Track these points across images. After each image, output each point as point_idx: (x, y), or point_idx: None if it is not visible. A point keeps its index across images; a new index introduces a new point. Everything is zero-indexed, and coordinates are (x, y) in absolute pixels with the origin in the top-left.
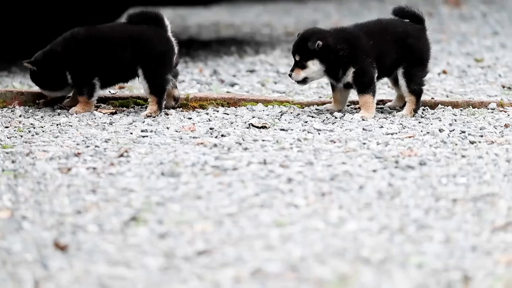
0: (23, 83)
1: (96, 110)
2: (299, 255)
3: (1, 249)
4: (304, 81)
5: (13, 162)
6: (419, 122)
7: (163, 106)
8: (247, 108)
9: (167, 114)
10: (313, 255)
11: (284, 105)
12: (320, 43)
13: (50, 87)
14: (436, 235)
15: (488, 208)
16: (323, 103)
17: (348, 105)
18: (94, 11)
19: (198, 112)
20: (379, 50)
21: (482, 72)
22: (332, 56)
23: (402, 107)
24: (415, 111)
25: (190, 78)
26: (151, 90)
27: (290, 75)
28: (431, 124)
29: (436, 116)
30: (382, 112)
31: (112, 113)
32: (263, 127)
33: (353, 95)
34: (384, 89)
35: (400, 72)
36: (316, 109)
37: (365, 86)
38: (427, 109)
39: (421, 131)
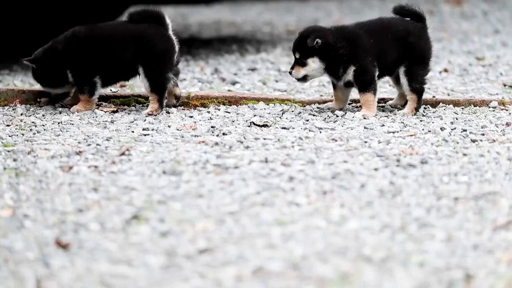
0: (24, 82)
1: (98, 108)
2: (300, 254)
3: (3, 248)
4: (304, 78)
5: (14, 160)
6: (421, 121)
7: (165, 104)
8: (249, 107)
9: (169, 113)
10: (314, 253)
11: (286, 104)
12: (319, 41)
13: (50, 84)
14: (438, 234)
15: (490, 207)
16: (325, 102)
17: (349, 104)
18: (96, 10)
19: (200, 111)
20: (380, 49)
21: (484, 70)
22: (332, 54)
23: (403, 106)
24: (417, 109)
25: (191, 77)
26: (152, 89)
27: (290, 73)
28: (433, 122)
29: (438, 115)
30: (383, 111)
31: (114, 112)
32: (265, 125)
33: (354, 93)
34: (386, 87)
35: (401, 71)
36: (318, 108)
37: (366, 85)
38: (429, 107)
39: (423, 129)
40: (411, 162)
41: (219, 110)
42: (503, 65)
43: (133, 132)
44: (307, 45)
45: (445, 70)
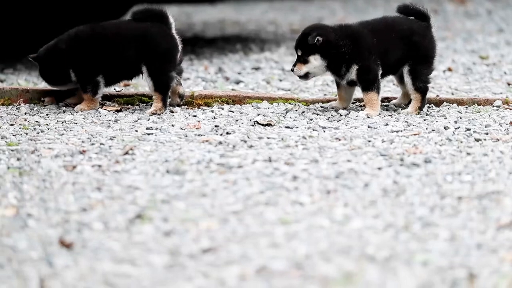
0: (28, 81)
1: (101, 107)
2: (304, 253)
3: (7, 247)
4: (306, 76)
5: (18, 159)
6: (424, 120)
7: (168, 103)
8: (252, 106)
9: (172, 112)
10: (318, 252)
11: (289, 103)
12: (320, 38)
13: (54, 82)
14: (441, 233)
15: (493, 206)
16: (328, 101)
17: (353, 103)
18: (99, 8)
19: (203, 110)
20: (384, 48)
21: (487, 69)
22: (333, 52)
23: (407, 105)
24: (420, 108)
25: (195, 76)
26: (156, 88)
27: (292, 70)
28: (436, 121)
29: (441, 114)
30: (387, 110)
31: (117, 111)
32: (268, 124)
33: (358, 92)
34: (389, 86)
35: (405, 70)
36: (321, 107)
37: (369, 84)
38: (432, 106)
39: (426, 128)
40: (414, 161)
41: (222, 109)
42: (507, 64)
43: (136, 131)
44: (308, 42)
45: (449, 69)
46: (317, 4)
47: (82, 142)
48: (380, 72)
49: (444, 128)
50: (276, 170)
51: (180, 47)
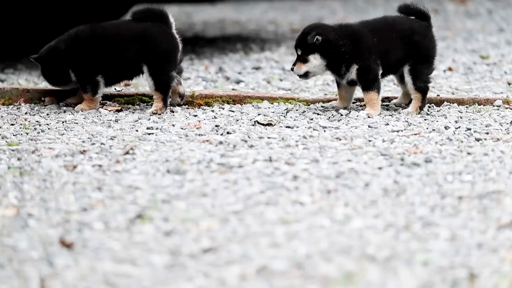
0: (28, 81)
1: (102, 107)
2: (304, 253)
3: (7, 247)
4: (305, 75)
5: (19, 159)
6: (425, 119)
7: (168, 103)
8: (253, 106)
9: (173, 112)
10: (318, 252)
11: (290, 103)
12: (320, 38)
13: (54, 82)
14: (442, 233)
15: (494, 206)
16: (329, 100)
17: (353, 102)
18: (100, 8)
19: (204, 110)
20: (384, 47)
21: (488, 69)
22: (333, 51)
23: (407, 104)
24: (421, 108)
25: (195, 75)
26: (156, 87)
27: (292, 69)
28: (437, 121)
29: (442, 113)
30: (387, 109)
31: (118, 111)
32: (269, 124)
33: (358, 92)
34: (390, 86)
35: (406, 69)
36: (322, 107)
37: (369, 83)
38: (433, 106)
39: (427, 128)
40: (415, 161)
41: (223, 109)
42: (507, 64)
43: (137, 131)
44: (308, 41)
45: (450, 69)
46: (317, 4)
47: (83, 142)
48: (381, 71)
49: (445, 127)
50: (276, 170)
51: (180, 46)
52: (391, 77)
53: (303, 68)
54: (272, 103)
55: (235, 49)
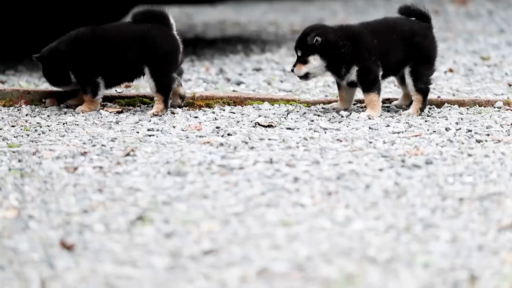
0: (29, 82)
1: (103, 109)
2: (305, 255)
3: (8, 248)
4: (306, 76)
5: (19, 161)
6: (426, 121)
7: (169, 104)
8: (253, 107)
9: (173, 113)
10: (319, 254)
11: (291, 104)
12: (319, 39)
13: (55, 82)
14: (443, 234)
15: (495, 207)
16: (329, 102)
17: (354, 104)
18: (100, 10)
19: (205, 111)
20: (385, 49)
21: (489, 70)
22: (333, 52)
23: (408, 106)
24: (422, 109)
25: (196, 77)
26: (158, 89)
27: (292, 70)
28: (438, 123)
29: (443, 115)
30: (388, 111)
31: (119, 112)
32: (269, 126)
33: (359, 93)
34: (390, 87)
35: (406, 71)
36: (323, 108)
37: (370, 85)
38: (434, 107)
39: (428, 130)
40: (416, 163)
41: (224, 110)
42: (508, 65)
43: (138, 132)
44: (307, 42)
45: (450, 70)
46: (317, 5)
47: (83, 143)
48: (381, 73)
49: (445, 129)
50: (277, 172)
51: (181, 48)
52: (392, 78)
53: (303, 69)
54: (272, 105)
55: (236, 51)
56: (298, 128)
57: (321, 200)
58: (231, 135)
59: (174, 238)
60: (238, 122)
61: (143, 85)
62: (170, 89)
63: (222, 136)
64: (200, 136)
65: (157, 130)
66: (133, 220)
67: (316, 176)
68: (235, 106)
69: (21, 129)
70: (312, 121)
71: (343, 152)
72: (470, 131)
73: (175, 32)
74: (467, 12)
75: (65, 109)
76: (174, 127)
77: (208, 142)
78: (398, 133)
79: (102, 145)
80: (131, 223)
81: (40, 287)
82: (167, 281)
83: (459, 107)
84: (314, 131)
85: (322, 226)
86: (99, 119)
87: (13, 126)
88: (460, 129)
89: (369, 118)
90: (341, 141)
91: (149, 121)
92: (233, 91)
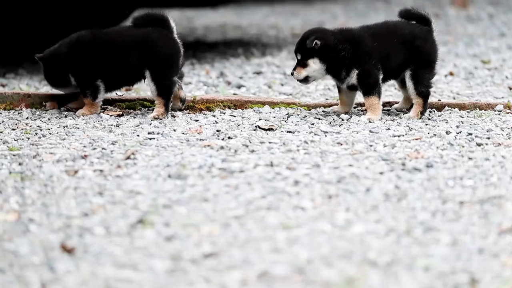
0: (30, 85)
1: (103, 112)
2: (306, 258)
3: (8, 252)
4: (306, 80)
5: (20, 164)
6: (426, 124)
7: (170, 108)
8: (254, 110)
9: (174, 116)
10: (320, 257)
11: (291, 107)
12: (318, 42)
13: (55, 84)
14: (443, 238)
15: (495, 211)
16: (330, 105)
17: (354, 107)
18: (101, 14)
19: (205, 114)
20: (385, 52)
21: (489, 74)
22: (333, 56)
23: (409, 109)
24: (422, 113)
25: (197, 80)
26: (158, 92)
27: (292, 74)
28: (438, 126)
29: (443, 118)
30: (389, 114)
31: (119, 115)
32: (270, 129)
33: (359, 97)
34: (391, 91)
35: (407, 74)
36: (323, 111)
37: (370, 88)
38: (434, 111)
39: (428, 133)
40: (416, 166)
41: (224, 113)
42: (508, 68)
43: (138, 136)
44: (307, 46)
45: (451, 74)
46: (318, 8)
47: (84, 146)
48: (381, 76)
49: (446, 132)
50: (277, 175)
51: (182, 51)
52: (392, 81)
53: (303, 72)
54: (273, 108)
55: (236, 54)
56: (299, 131)
57: (322, 203)
58: (231, 138)
59: (175, 241)
60: (238, 125)
61: (144, 88)
62: (171, 93)
63: (223, 139)
64: (200, 139)
65: (158, 133)
66: (134, 223)
67: (317, 179)
68: (236, 109)
69: (21, 132)
70: (313, 124)
71: (343, 155)
72: (470, 134)
73: (175, 36)
74: (468, 15)
75: (66, 112)
76: (174, 130)
77: (208, 145)
78: (399, 136)
79: (103, 148)
80: (131, 226)
81: None
82: (167, 284)
83: (460, 110)
84: (315, 134)
85: (323, 229)
86: (100, 122)
87: (13, 129)
88: (460, 132)
89: (370, 122)
90: (341, 144)
91: (150, 125)
92: (234, 94)
